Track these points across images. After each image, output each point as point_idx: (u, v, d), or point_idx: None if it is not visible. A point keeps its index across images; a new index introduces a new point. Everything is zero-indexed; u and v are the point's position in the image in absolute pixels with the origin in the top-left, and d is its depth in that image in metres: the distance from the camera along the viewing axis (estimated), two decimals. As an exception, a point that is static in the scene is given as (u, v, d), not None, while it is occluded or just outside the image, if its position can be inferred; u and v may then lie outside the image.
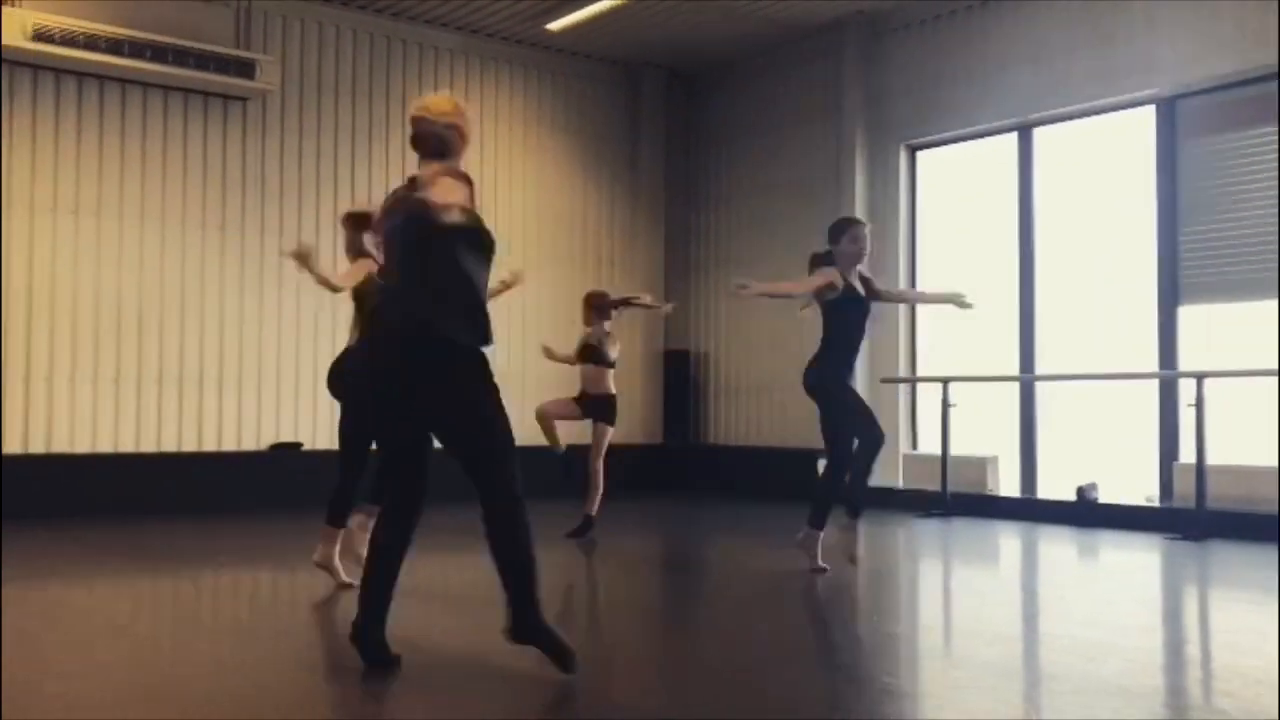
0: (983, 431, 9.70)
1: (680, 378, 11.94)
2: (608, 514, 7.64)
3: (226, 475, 9.34)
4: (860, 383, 9.64)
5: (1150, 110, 8.87)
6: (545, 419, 7.38)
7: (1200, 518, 7.67)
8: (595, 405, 7.46)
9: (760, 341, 11.23)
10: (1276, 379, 7.59)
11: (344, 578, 5.37)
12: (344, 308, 6.32)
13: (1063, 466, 9.20)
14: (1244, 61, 8.16)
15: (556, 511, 7.36)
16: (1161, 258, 8.74)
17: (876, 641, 4.70)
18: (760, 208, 11.39)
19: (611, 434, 7.48)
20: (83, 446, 8.97)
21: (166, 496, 8.93)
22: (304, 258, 5.16)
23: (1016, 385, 9.54)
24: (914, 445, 10.33)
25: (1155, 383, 8.68)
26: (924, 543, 7.84)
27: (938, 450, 9.47)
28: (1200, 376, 7.86)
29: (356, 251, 5.51)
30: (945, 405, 9.39)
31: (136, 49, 8.91)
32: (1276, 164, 8.06)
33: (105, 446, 9.06)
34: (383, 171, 10.19)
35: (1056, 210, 9.54)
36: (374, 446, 4.98)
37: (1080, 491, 8.74)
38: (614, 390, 7.51)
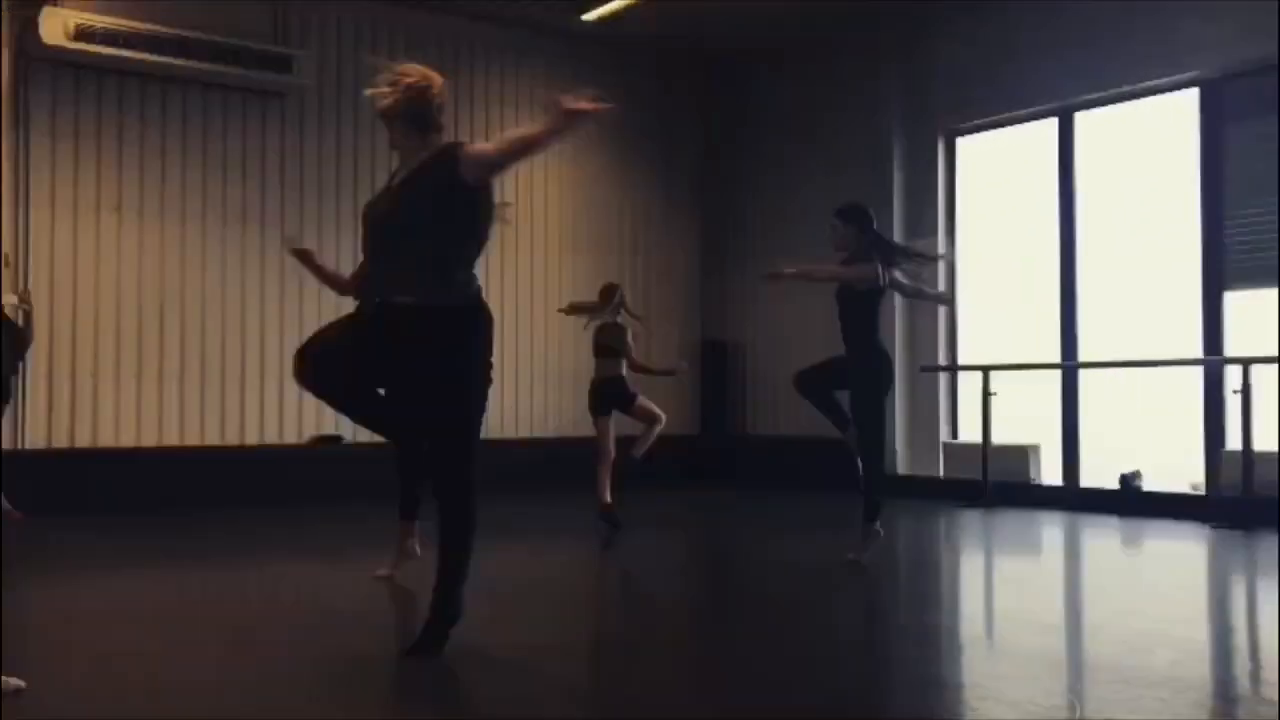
0: (1024, 420, 9.61)
1: (717, 368, 11.92)
2: (645, 505, 7.65)
3: (268, 469, 9.43)
4: (900, 371, 9.57)
5: (1194, 93, 8.74)
6: (601, 477, 7.32)
7: (1247, 506, 7.56)
8: (609, 392, 7.42)
9: (798, 331, 11.17)
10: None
11: None
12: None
13: (1106, 455, 9.09)
14: (1290, 42, 8.02)
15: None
16: (1207, 242, 8.61)
17: (919, 632, 4.67)
18: (797, 196, 11.32)
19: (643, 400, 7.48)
20: (127, 441, 9.09)
21: (209, 490, 9.03)
22: (304, 255, 5.12)
23: (1058, 373, 9.45)
24: (954, 434, 10.26)
25: (1200, 369, 8.56)
26: (965, 533, 7.78)
27: (978, 439, 9.39)
28: (1247, 362, 7.74)
29: None
30: (986, 394, 9.31)
31: (175, 46, 9.00)
32: (1277, 157, 7.94)
33: (150, 441, 9.18)
34: (419, 165, 10.20)
35: (1098, 196, 9.42)
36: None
37: (1124, 480, 8.64)
38: (623, 374, 7.49)
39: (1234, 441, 8.06)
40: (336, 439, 9.79)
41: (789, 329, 11.13)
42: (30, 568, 6.01)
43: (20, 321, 8.37)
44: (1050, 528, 7.98)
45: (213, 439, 9.47)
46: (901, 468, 10.33)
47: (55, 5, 8.65)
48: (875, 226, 6.10)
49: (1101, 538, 7.57)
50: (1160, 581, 5.91)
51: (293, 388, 9.66)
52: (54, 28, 8.53)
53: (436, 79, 3.98)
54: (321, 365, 3.91)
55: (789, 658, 4.08)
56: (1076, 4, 9.21)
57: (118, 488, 8.72)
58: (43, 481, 8.34)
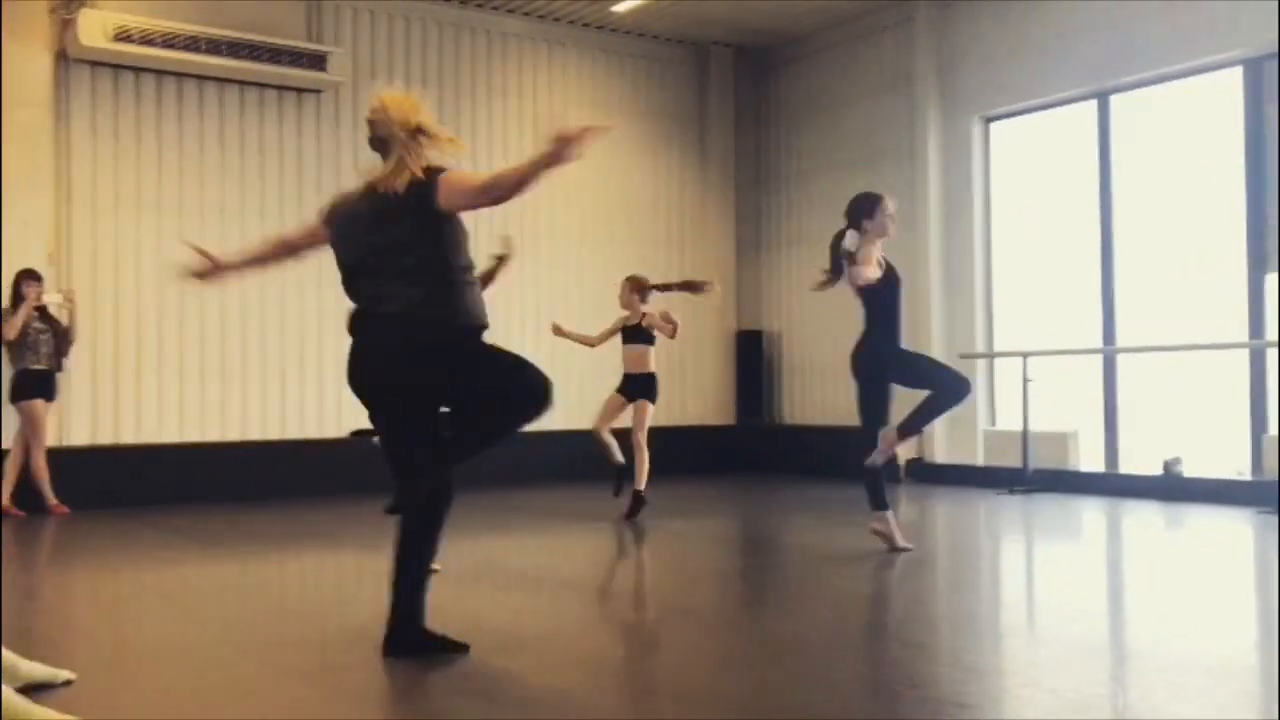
0: (1064, 406, 9.53)
1: (753, 358, 11.90)
2: (681, 493, 7.68)
3: (309, 462, 9.53)
4: (939, 359, 9.51)
5: (1237, 72, 8.61)
6: (600, 438, 7.67)
7: (1292, 491, 7.46)
8: (639, 384, 7.74)
9: (833, 320, 11.12)
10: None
11: None
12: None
13: (1147, 441, 9.00)
14: (1333, 19, 7.88)
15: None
16: (1250, 224, 8.49)
17: (959, 619, 4.65)
18: (832, 185, 11.25)
19: (653, 410, 7.76)
20: (170, 437, 9.22)
21: (251, 483, 9.16)
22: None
23: (1098, 358, 9.35)
24: (993, 421, 10.19)
25: (1245, 353, 8.45)
26: (1005, 519, 7.73)
27: (1018, 426, 9.32)
28: (1291, 346, 7.63)
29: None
30: (1025, 380, 9.24)
31: (212, 46, 9.10)
32: (1278, 145, 7.81)
33: (193, 436, 9.30)
34: (454, 160, 10.24)
35: (1136, 179, 9.31)
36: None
37: (1166, 465, 8.55)
38: (654, 369, 7.81)
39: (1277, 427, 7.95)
40: (375, 433, 9.83)
41: (825, 318, 11.09)
42: (80, 560, 6.11)
43: (65, 320, 8.51)
44: (1091, 513, 7.91)
45: (254, 434, 9.57)
46: (941, 456, 10.27)
47: (94, 6, 8.76)
48: (876, 214, 6.09)
49: (1143, 523, 7.49)
50: (1203, 567, 5.85)
51: (332, 383, 9.80)
52: (92, 29, 8.65)
53: (374, 100, 4.06)
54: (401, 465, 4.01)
55: (821, 643, 4.08)
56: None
57: (161, 482, 8.88)
58: (86, 477, 8.49)
